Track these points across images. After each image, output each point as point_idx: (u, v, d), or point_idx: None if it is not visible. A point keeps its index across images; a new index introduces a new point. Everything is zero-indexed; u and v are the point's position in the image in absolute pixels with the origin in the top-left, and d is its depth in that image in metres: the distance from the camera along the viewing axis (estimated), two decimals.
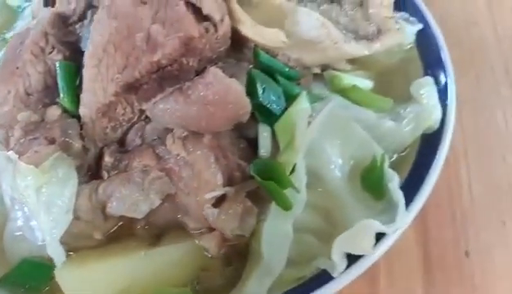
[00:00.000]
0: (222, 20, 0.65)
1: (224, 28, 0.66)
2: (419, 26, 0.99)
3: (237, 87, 0.67)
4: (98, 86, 0.66)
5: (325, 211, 0.77)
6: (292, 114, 0.73)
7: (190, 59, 0.66)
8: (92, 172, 0.71)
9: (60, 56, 0.71)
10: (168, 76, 0.67)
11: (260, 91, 0.73)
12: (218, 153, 0.73)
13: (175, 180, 0.72)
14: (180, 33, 0.63)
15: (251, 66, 0.74)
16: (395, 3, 1.05)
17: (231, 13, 0.67)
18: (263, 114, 0.75)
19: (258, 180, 0.70)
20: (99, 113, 0.68)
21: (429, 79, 0.89)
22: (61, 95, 0.70)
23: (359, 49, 0.80)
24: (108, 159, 0.69)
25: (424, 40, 0.99)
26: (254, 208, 0.71)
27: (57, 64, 0.70)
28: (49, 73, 0.70)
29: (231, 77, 0.70)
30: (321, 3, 0.80)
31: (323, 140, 0.77)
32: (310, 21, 0.77)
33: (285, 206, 0.70)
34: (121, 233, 0.77)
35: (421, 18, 1.00)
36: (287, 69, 0.77)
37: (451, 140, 0.83)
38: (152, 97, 0.68)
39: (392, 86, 0.95)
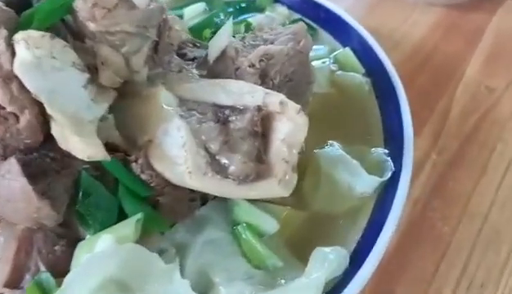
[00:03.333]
0: (22, 113, 0.58)
1: (25, 123, 0.58)
2: (386, 177, 0.76)
3: (25, 190, 0.59)
4: None
5: None
6: (95, 239, 0.62)
7: None
8: None
9: None
10: None
11: (81, 198, 0.64)
12: (23, 247, 0.65)
13: None
14: None
15: (85, 166, 0.65)
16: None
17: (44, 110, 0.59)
18: (85, 223, 0.65)
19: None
20: None
21: (338, 252, 0.67)
22: None
23: (218, 189, 0.63)
24: None
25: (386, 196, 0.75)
26: None
27: None
28: None
29: (43, 173, 0.62)
30: (207, 120, 0.66)
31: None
32: (176, 137, 0.64)
33: None
34: None
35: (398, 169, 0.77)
36: (134, 183, 0.65)
37: None
38: None
39: (320, 239, 0.74)
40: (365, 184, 0.76)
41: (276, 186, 0.62)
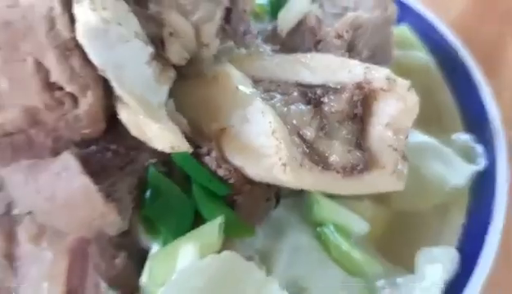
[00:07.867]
0: (83, 94, 0.45)
1: (86, 106, 0.46)
2: (480, 166, 0.67)
3: (88, 191, 0.47)
4: None
5: None
6: (175, 250, 0.50)
7: (40, 133, 0.48)
8: None
9: None
10: (19, 146, 0.50)
11: (149, 200, 0.52)
12: (77, 262, 0.53)
13: (18, 273, 0.54)
14: (20, 100, 0.45)
15: (152, 161, 0.53)
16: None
17: (108, 89, 0.47)
18: (151, 231, 0.54)
19: None
20: None
21: (448, 253, 0.58)
22: None
23: (319, 183, 0.52)
24: None
25: (483, 187, 0.67)
26: None
27: None
28: None
29: (104, 171, 0.50)
30: (294, 101, 0.55)
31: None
32: (261, 124, 0.53)
33: None
34: None
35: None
36: (210, 181, 0.54)
37: None
38: (7, 163, 0.51)
39: (408, 238, 0.65)
40: (458, 175, 0.66)
41: (389, 178, 0.52)
